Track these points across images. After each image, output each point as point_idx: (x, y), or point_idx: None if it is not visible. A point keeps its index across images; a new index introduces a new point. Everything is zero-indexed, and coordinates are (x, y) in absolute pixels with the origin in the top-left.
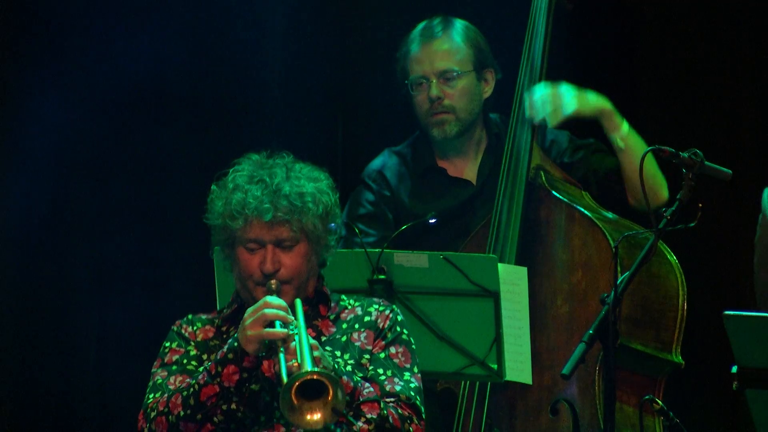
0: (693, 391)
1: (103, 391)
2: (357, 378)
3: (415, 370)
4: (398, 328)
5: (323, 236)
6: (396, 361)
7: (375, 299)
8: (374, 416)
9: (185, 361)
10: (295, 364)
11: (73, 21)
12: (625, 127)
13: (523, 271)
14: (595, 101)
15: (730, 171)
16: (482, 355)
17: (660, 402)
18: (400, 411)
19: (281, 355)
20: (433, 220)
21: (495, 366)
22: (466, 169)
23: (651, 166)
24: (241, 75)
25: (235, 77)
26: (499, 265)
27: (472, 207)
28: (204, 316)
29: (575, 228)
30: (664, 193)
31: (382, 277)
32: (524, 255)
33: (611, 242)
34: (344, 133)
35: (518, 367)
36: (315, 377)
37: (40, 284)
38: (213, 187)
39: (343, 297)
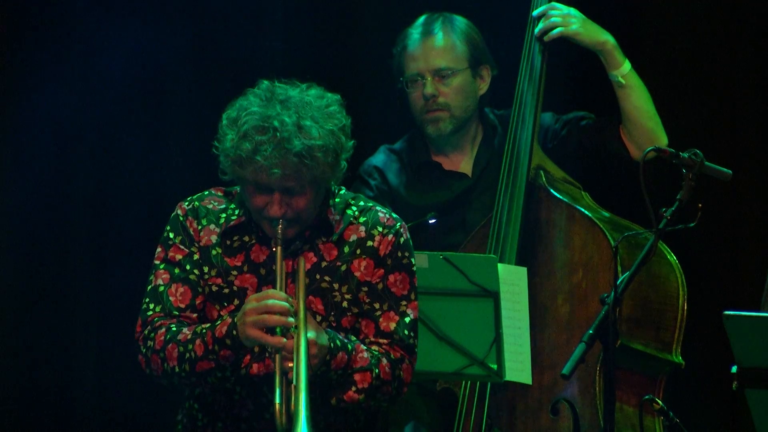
0: (693, 391)
1: (103, 391)
2: (351, 346)
3: (412, 296)
4: (399, 253)
5: (332, 176)
6: (394, 290)
7: (380, 213)
8: (365, 386)
9: (188, 266)
10: (290, 365)
11: (74, 15)
12: (626, 65)
13: (523, 271)
14: (597, 33)
15: (730, 171)
16: (482, 355)
17: (660, 402)
18: (392, 356)
19: (278, 356)
20: (433, 221)
21: (495, 366)
22: (462, 163)
23: (649, 106)
24: (239, 70)
25: (233, 72)
26: (499, 265)
27: (468, 199)
28: (210, 205)
29: (575, 228)
30: (663, 137)
31: None
32: (524, 255)
33: (612, 242)
34: None
35: (518, 367)
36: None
37: (39, 284)
38: (224, 118)
39: (351, 201)
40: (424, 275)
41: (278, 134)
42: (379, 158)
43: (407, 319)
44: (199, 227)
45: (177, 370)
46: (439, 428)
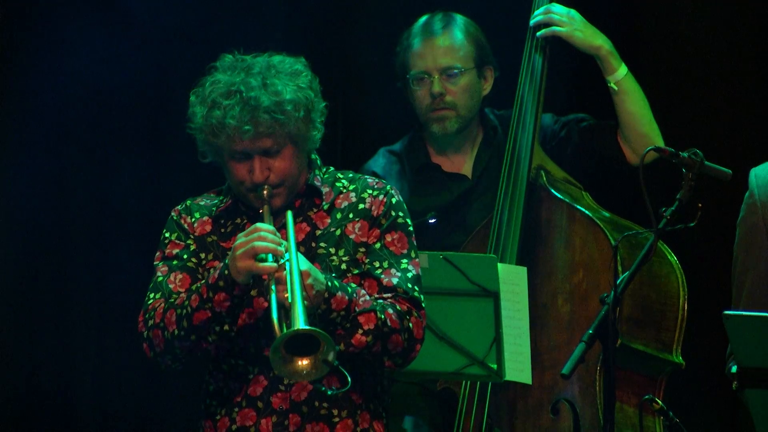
0: (693, 391)
1: (102, 391)
2: (351, 289)
3: (413, 254)
4: (393, 212)
5: (307, 134)
6: (392, 249)
7: (369, 179)
8: (371, 327)
9: (185, 256)
10: (286, 295)
11: (76, 8)
12: (621, 70)
13: (523, 270)
14: (592, 37)
15: (730, 171)
16: (482, 355)
17: (660, 402)
18: (398, 307)
19: (272, 285)
20: (432, 220)
21: (495, 366)
22: (462, 164)
23: (645, 112)
24: None
25: None
26: (499, 265)
27: (468, 200)
28: (202, 202)
29: (576, 228)
30: (659, 143)
31: None
32: (525, 255)
33: (612, 242)
34: (344, 132)
35: (518, 367)
36: (305, 333)
37: (39, 283)
38: (191, 97)
39: (339, 175)
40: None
41: (245, 94)
42: (378, 163)
43: (410, 275)
44: (193, 220)
45: (176, 332)
46: (440, 428)
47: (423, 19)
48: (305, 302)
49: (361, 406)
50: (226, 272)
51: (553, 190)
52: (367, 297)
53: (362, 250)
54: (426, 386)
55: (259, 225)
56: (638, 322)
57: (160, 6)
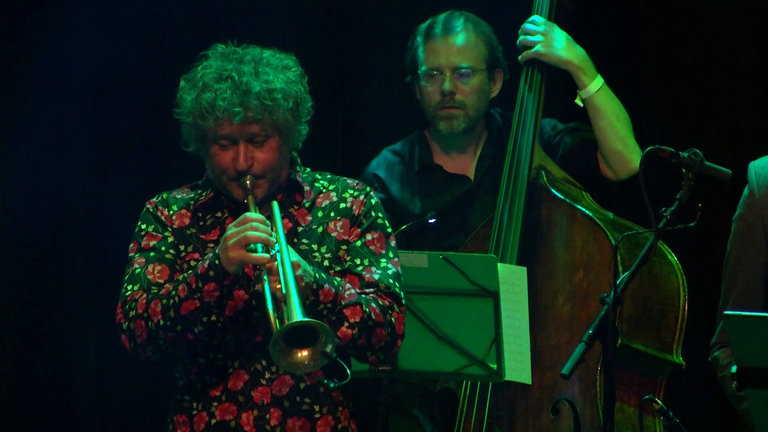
0: (693, 391)
1: (103, 391)
2: (337, 282)
3: (391, 255)
4: (372, 213)
5: (294, 127)
6: (372, 248)
7: (348, 180)
8: (357, 320)
9: (163, 248)
10: (278, 286)
11: (73, 12)
12: (593, 86)
13: (523, 270)
14: (560, 52)
15: (730, 171)
16: (482, 355)
17: (660, 402)
18: (380, 302)
19: (264, 276)
20: (432, 220)
21: (494, 366)
22: (464, 165)
23: (618, 128)
24: None
25: None
26: (499, 264)
27: (470, 201)
28: (179, 195)
29: (577, 228)
30: (635, 161)
31: None
32: (525, 255)
33: (613, 242)
34: (344, 132)
35: (518, 367)
36: (304, 324)
37: (38, 282)
38: (182, 82)
39: (317, 176)
40: (424, 275)
41: (237, 79)
42: (380, 164)
43: (390, 271)
44: (171, 213)
45: (162, 322)
46: (440, 428)
47: (441, 16)
48: (300, 293)
49: (342, 404)
50: (217, 262)
51: (553, 190)
52: (353, 291)
53: (344, 248)
54: (426, 386)
55: (249, 215)
56: (639, 322)
57: (161, 6)
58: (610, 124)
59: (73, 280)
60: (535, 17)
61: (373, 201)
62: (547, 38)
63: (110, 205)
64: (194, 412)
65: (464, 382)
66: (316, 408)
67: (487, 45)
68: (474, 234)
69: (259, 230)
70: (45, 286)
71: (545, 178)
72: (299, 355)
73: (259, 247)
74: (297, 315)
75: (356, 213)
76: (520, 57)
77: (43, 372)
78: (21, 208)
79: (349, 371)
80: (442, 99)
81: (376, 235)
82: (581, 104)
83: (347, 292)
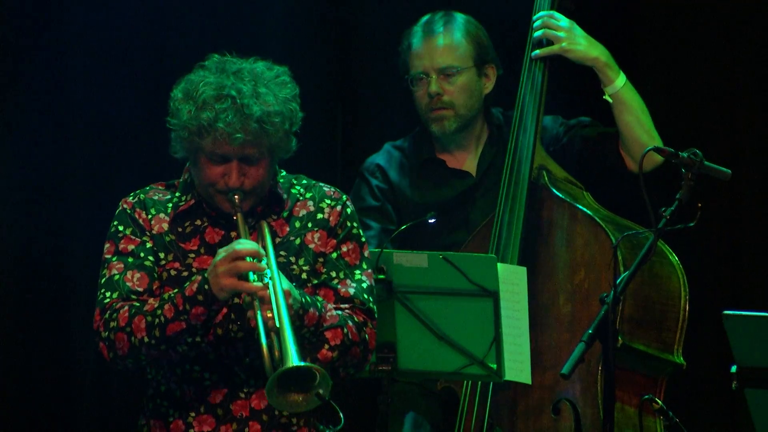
0: (693, 391)
1: (102, 392)
2: (320, 304)
3: (365, 266)
4: (348, 223)
5: (286, 146)
6: (347, 259)
7: (325, 188)
8: (338, 343)
9: (142, 254)
10: (270, 315)
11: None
12: (619, 81)
13: (523, 270)
14: (587, 49)
15: (729, 171)
16: (481, 355)
17: (660, 402)
18: (356, 318)
19: (256, 302)
20: (432, 220)
21: (494, 366)
22: (466, 161)
23: (643, 120)
24: None
25: None
26: (499, 264)
27: (472, 198)
28: (155, 197)
29: (577, 227)
30: (658, 155)
31: (382, 277)
32: (526, 255)
33: (614, 241)
34: (344, 129)
35: (518, 367)
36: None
37: (38, 282)
38: (177, 93)
39: (294, 181)
40: (424, 275)
41: (237, 101)
42: (382, 155)
43: (364, 285)
44: (149, 216)
45: (146, 340)
46: (440, 428)
47: (423, 18)
48: (293, 327)
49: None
50: (206, 287)
51: (554, 190)
52: (334, 312)
53: (320, 259)
54: (426, 386)
55: (242, 241)
56: (639, 322)
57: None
58: (636, 118)
59: (74, 280)
60: (553, 12)
61: (348, 210)
62: (570, 34)
63: (110, 205)
64: (170, 420)
65: (465, 381)
66: (294, 420)
67: (473, 42)
68: (475, 233)
69: (250, 255)
70: (45, 285)
71: (546, 178)
72: (294, 396)
73: (251, 276)
74: (293, 359)
75: (333, 224)
76: (538, 51)
77: (43, 372)
78: (21, 208)
79: (342, 416)
80: (430, 101)
81: (351, 246)
82: (610, 100)
83: (329, 314)
